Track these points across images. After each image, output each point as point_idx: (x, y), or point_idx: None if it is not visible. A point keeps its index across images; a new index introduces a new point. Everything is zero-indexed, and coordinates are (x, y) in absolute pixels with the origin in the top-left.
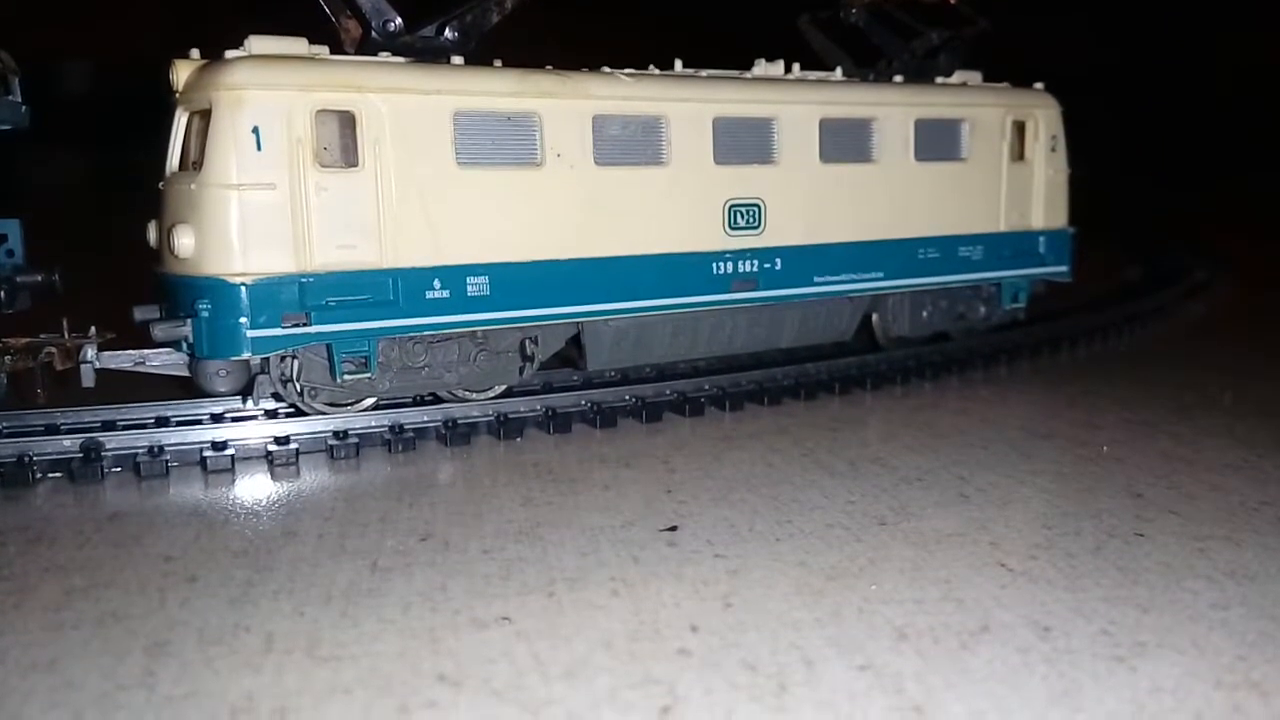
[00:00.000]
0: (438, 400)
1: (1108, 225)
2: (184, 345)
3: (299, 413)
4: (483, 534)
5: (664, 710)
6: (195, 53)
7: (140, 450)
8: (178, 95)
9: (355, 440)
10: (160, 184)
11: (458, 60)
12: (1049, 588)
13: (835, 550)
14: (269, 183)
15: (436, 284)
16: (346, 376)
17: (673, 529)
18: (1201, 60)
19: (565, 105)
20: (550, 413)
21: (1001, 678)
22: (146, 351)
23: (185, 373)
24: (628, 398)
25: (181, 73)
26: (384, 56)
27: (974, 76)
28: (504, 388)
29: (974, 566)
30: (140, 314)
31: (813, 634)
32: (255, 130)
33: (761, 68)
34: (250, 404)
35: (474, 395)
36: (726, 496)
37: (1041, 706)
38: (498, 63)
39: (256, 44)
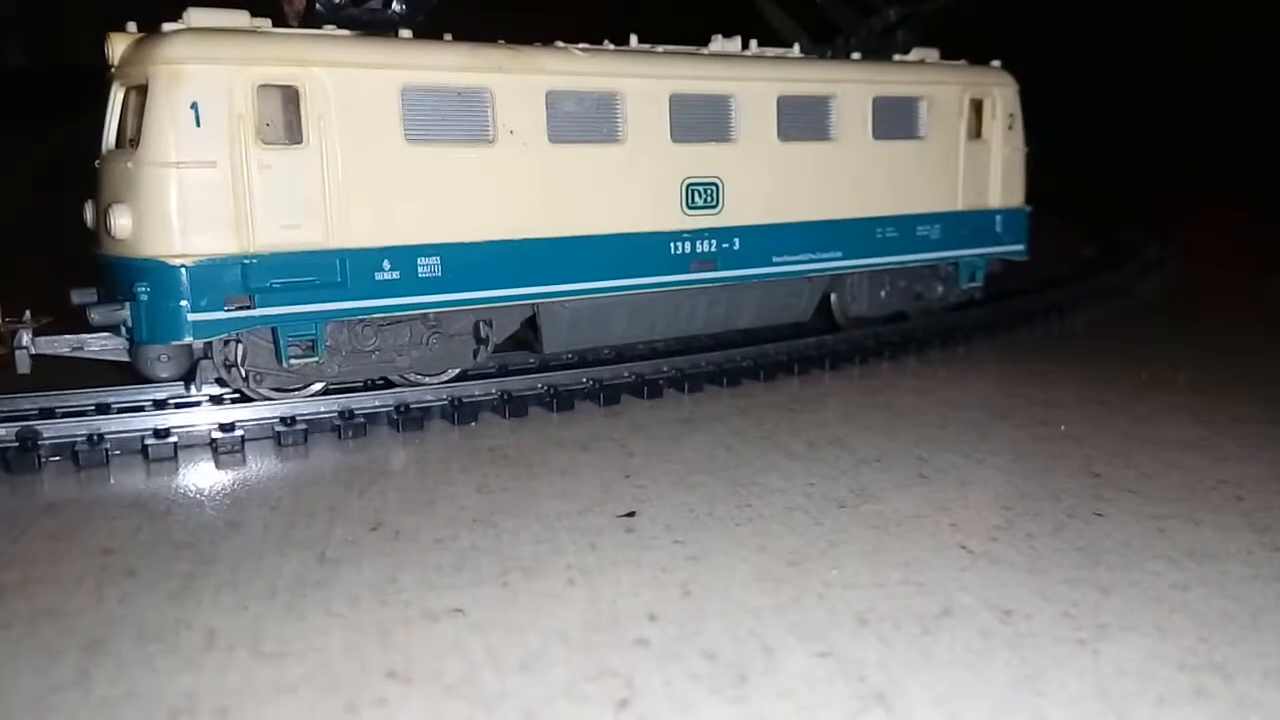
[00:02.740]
0: (389, 384)
1: (1064, 203)
2: (123, 329)
3: (245, 399)
4: (435, 522)
5: (621, 703)
6: (132, 26)
7: (79, 438)
8: (114, 70)
9: (303, 427)
10: (96, 162)
11: (406, 34)
12: (1010, 570)
13: (795, 534)
14: (209, 160)
15: (386, 265)
16: (293, 361)
17: (631, 515)
18: (1155, 42)
19: (517, 80)
20: (506, 396)
21: (964, 662)
22: (84, 336)
23: (125, 358)
24: (585, 380)
25: (117, 46)
26: (329, 30)
27: (931, 54)
28: (458, 371)
29: (934, 549)
30: (77, 297)
31: (773, 621)
32: (194, 106)
33: (719, 44)
34: (194, 390)
35: (427, 379)
36: (685, 480)
37: (1004, 691)
38: (448, 36)
39: (195, 16)
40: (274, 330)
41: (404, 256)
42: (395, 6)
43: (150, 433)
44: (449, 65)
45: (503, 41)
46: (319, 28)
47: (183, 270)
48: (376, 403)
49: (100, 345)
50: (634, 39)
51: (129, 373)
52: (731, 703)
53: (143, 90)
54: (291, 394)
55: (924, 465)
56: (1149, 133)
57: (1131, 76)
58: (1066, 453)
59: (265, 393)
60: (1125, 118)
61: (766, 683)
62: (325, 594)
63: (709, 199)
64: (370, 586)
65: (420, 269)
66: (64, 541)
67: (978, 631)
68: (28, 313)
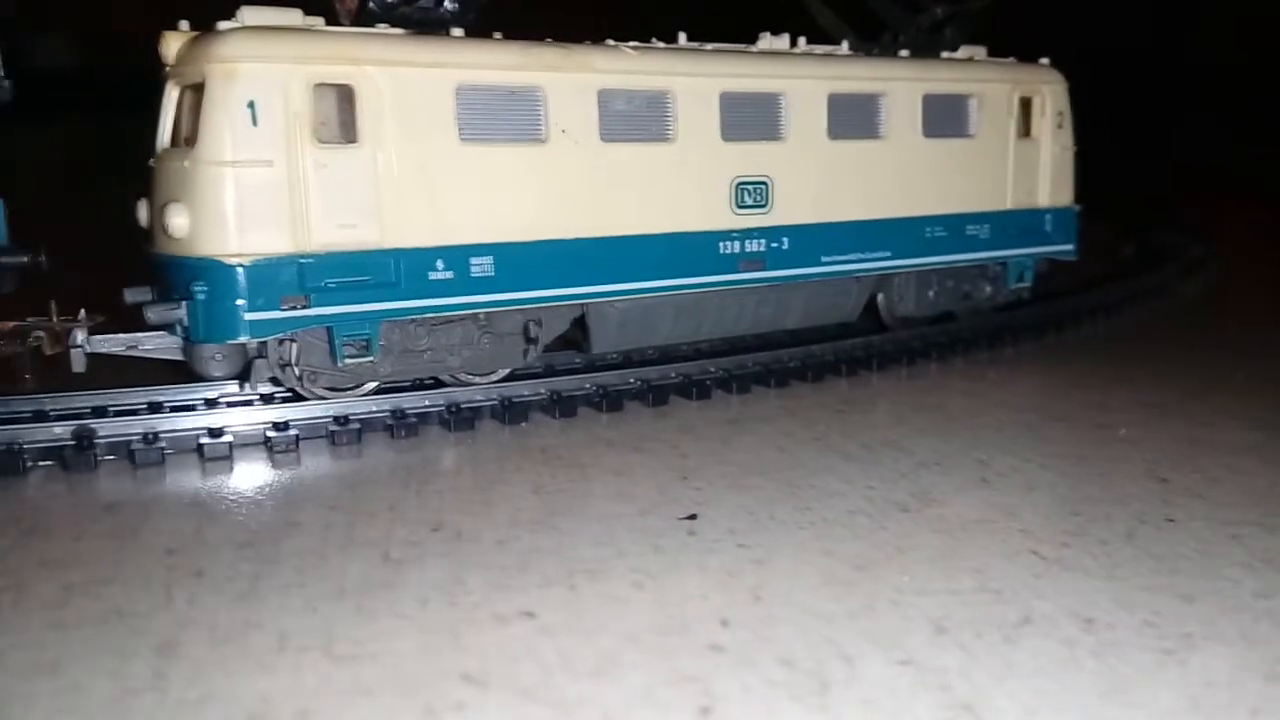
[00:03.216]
0: (439, 384)
1: (1097, 202)
2: (178, 328)
3: (297, 398)
4: (495, 523)
5: (704, 710)
6: (185, 24)
7: (134, 437)
8: (168, 68)
9: (357, 426)
10: (150, 161)
11: (457, 32)
12: (1086, 577)
13: (861, 539)
14: (265, 159)
15: (439, 264)
16: (347, 360)
17: (692, 517)
18: (1184, 40)
19: (569, 79)
20: (555, 396)
21: (1049, 672)
22: (139, 335)
23: (179, 357)
24: (632, 381)
25: (172, 45)
26: (383, 29)
27: (979, 52)
28: (507, 371)
29: (1005, 555)
30: (131, 296)
31: (847, 628)
32: (250, 105)
33: (767, 41)
34: (247, 389)
35: (477, 379)
36: (741, 482)
37: (1094, 702)
38: (497, 35)
39: (250, 15)
40: (329, 329)
41: (457, 256)
42: (448, 5)
43: (205, 432)
44: (502, 64)
45: (549, 40)
46: (372, 26)
47: (239, 269)
48: (427, 402)
49: (155, 344)
50: (682, 36)
51: (180, 371)
52: (815, 711)
53: (198, 89)
54: (345, 393)
55: (985, 469)
56: (1168, 131)
57: (1153, 75)
58: (1127, 456)
59: (319, 392)
60: (1146, 116)
61: (849, 692)
62: (393, 595)
63: (758, 198)
64: (437, 588)
65: (473, 269)
66: (126, 541)
67: (1060, 640)
68: (82, 311)
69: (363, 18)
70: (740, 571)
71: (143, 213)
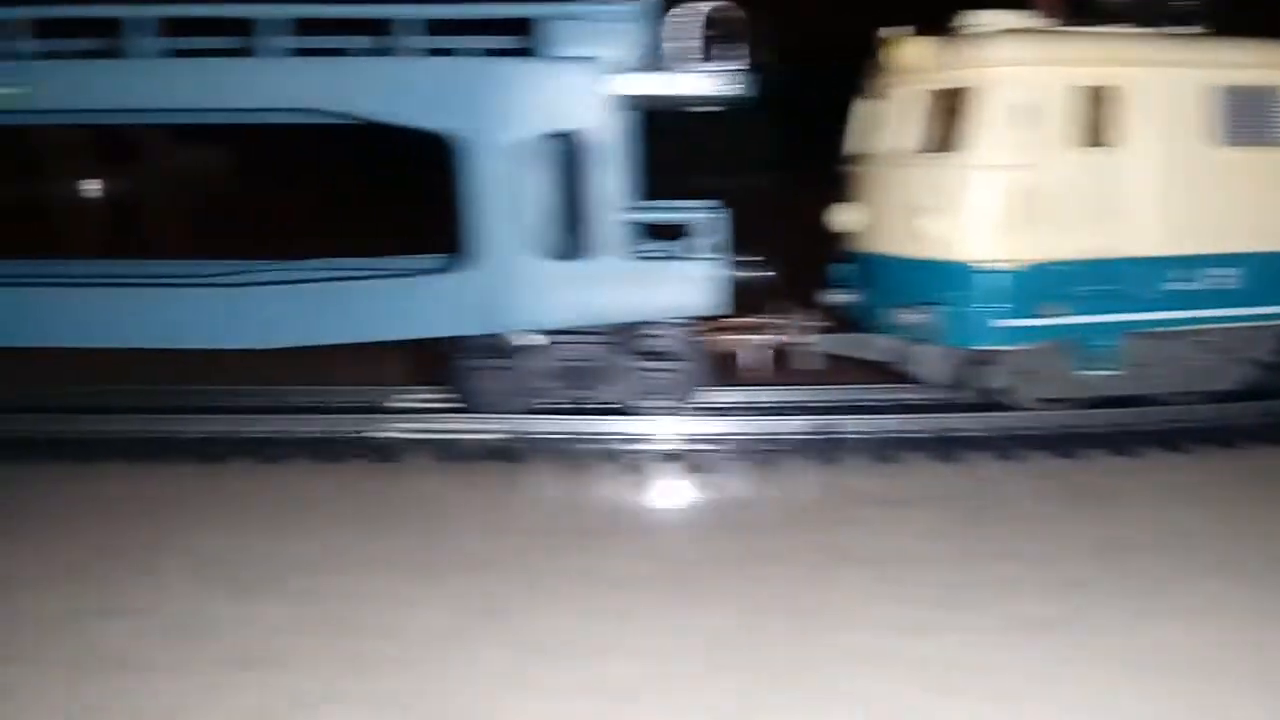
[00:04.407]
0: (1130, 402)
1: None
2: (918, 332)
3: (991, 407)
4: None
5: None
6: (908, 30)
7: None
8: (901, 74)
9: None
10: (872, 165)
11: (1194, 29)
12: None
13: None
14: (1027, 163)
15: (1186, 274)
16: (1084, 372)
17: None
18: None
19: None
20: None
21: None
22: (867, 336)
23: (898, 359)
24: None
25: (910, 50)
26: (1127, 28)
27: None
28: (1223, 391)
29: None
30: (834, 297)
31: None
32: (1015, 109)
33: None
34: (964, 396)
35: (1183, 398)
36: None
37: None
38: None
39: (989, 19)
40: (1070, 340)
41: (1205, 266)
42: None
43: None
44: (1256, 63)
45: None
46: (1085, 22)
47: (1001, 275)
48: (1140, 419)
49: (880, 346)
50: None
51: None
52: None
53: (956, 94)
54: (1055, 405)
55: None
56: None
57: None
58: None
59: (1030, 404)
60: None
61: None
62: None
63: None
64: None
65: (1218, 280)
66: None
67: None
68: (809, 312)
69: (1078, 14)
70: None
71: (851, 216)
